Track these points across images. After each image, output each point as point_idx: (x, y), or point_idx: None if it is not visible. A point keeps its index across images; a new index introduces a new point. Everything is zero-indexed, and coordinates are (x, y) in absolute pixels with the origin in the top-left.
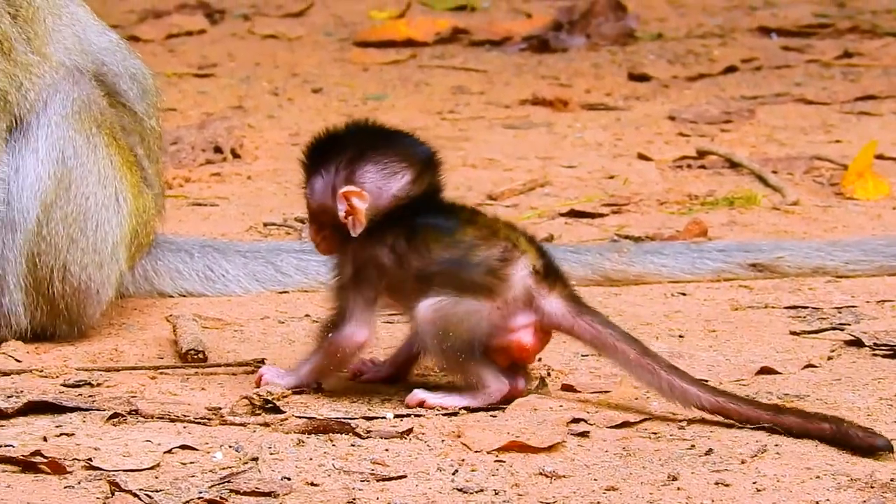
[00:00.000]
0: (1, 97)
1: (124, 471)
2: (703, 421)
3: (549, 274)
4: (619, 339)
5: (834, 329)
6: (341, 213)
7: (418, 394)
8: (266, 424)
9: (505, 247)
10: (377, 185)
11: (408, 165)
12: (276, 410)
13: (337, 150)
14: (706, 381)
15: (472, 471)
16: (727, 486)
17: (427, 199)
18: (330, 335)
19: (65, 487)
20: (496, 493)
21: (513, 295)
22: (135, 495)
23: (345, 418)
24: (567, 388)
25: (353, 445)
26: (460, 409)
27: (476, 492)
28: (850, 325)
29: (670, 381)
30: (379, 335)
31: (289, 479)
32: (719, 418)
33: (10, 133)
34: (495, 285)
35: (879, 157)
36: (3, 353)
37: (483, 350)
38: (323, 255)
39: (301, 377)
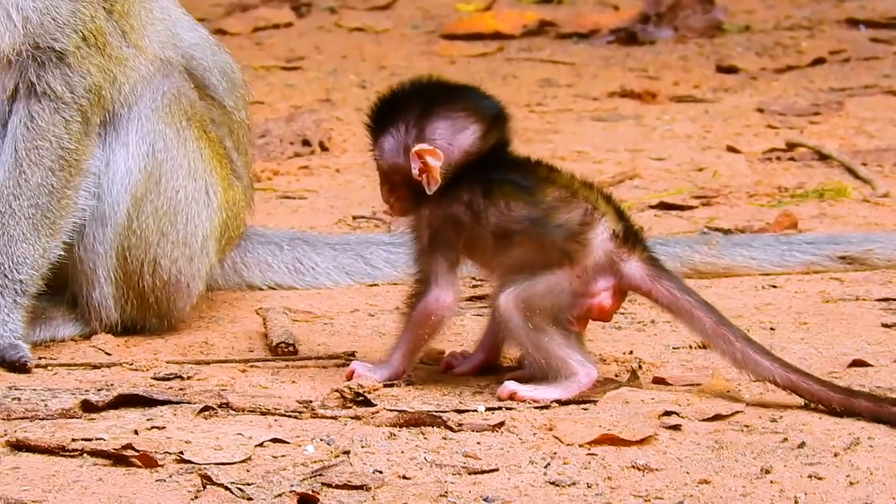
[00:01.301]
0: (95, 93)
1: (216, 464)
2: (795, 413)
3: (629, 237)
4: (696, 307)
5: None
6: (415, 172)
7: (509, 386)
8: (357, 417)
9: (585, 209)
10: (448, 142)
11: (477, 119)
12: (368, 403)
13: (404, 109)
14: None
15: (565, 464)
16: (820, 479)
17: (499, 153)
18: (416, 307)
19: (156, 481)
20: (588, 487)
21: (593, 260)
22: (226, 489)
23: (436, 411)
24: (658, 380)
25: (444, 438)
26: (552, 401)
27: (568, 485)
28: None
29: (744, 352)
30: (470, 328)
31: (381, 472)
32: (791, 395)
33: (103, 127)
34: (576, 251)
35: None
36: (94, 347)
37: (567, 321)
38: (397, 216)
39: (394, 365)
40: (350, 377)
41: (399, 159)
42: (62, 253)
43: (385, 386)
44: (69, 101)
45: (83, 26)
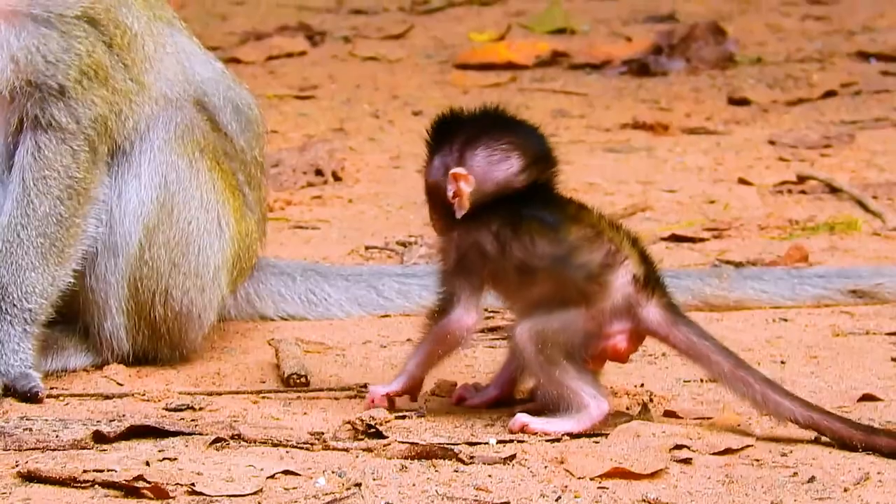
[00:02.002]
0: (101, 123)
1: (227, 496)
2: (805, 447)
3: (649, 282)
4: (714, 351)
5: None
6: (449, 193)
7: (521, 418)
8: (369, 450)
9: (608, 250)
10: (484, 170)
11: (519, 155)
12: (379, 435)
13: (455, 131)
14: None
15: (576, 497)
16: None
17: (535, 190)
18: (437, 322)
19: None
20: None
21: (611, 303)
22: None
23: (448, 444)
24: (669, 414)
25: (456, 471)
26: (563, 434)
27: None
28: None
29: (764, 394)
30: (482, 360)
31: None
32: (812, 433)
33: (113, 157)
34: (594, 291)
35: None
36: (106, 377)
37: (580, 358)
38: (438, 234)
39: (409, 371)
40: (370, 404)
41: (440, 179)
42: (72, 281)
43: (397, 418)
44: (75, 132)
45: (79, 61)
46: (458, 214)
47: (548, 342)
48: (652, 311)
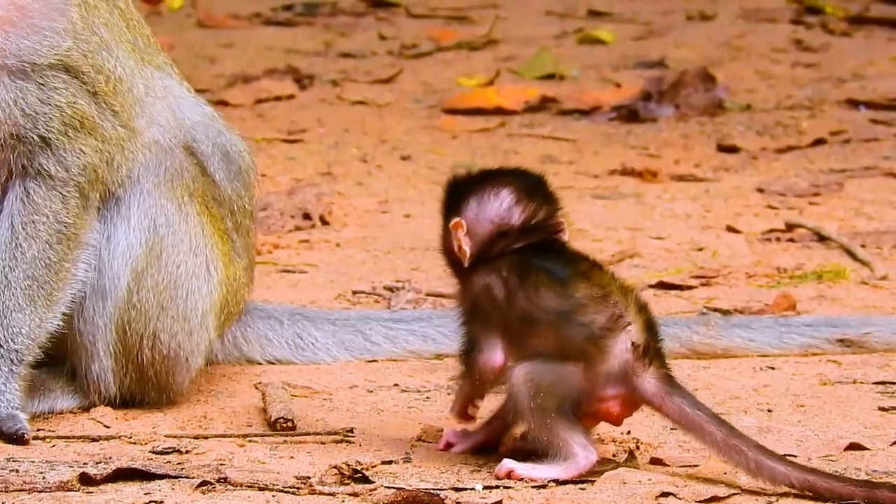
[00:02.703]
0: (91, 170)
1: None
2: (791, 498)
3: (648, 352)
4: (707, 421)
5: None
6: (455, 247)
7: (507, 464)
8: (355, 494)
9: (612, 314)
10: (475, 213)
11: (505, 192)
12: (366, 480)
13: (456, 191)
14: (794, 456)
15: None
16: None
17: (540, 233)
18: (469, 365)
19: None
20: None
21: (608, 367)
22: None
23: (434, 489)
24: (656, 461)
25: None
26: (549, 481)
27: None
28: None
29: (758, 461)
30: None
31: None
32: (809, 496)
33: (103, 202)
34: (593, 354)
35: None
36: (93, 419)
37: (572, 413)
38: (458, 301)
39: (457, 405)
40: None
41: (448, 240)
42: (61, 324)
43: (383, 463)
44: (65, 179)
45: (60, 113)
46: (466, 263)
47: (542, 391)
48: (647, 382)
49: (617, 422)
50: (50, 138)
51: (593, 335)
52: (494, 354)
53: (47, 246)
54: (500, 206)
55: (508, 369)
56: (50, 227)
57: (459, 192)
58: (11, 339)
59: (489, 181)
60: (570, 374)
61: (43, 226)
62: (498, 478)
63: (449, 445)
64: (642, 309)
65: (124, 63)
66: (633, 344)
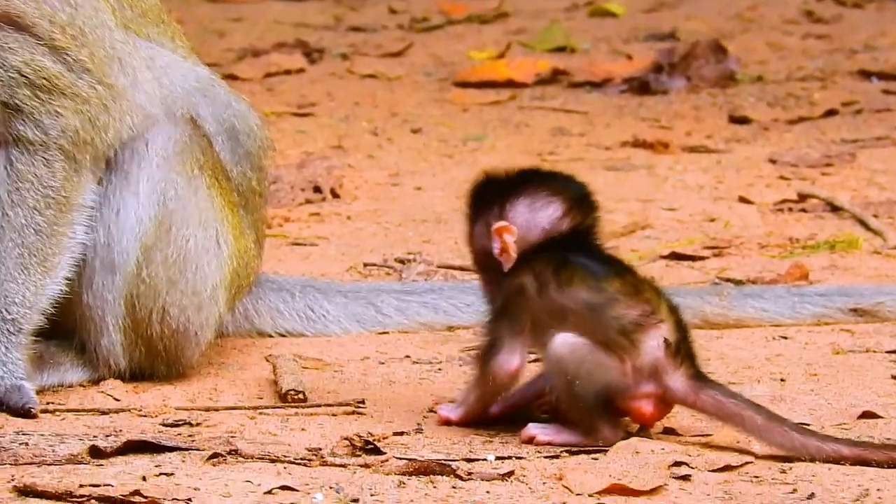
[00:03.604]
0: (72, 132)
1: None
2: (805, 464)
3: (680, 351)
4: (744, 408)
5: None
6: (496, 251)
7: (531, 429)
8: (367, 466)
9: (644, 310)
10: (527, 219)
11: (558, 200)
12: (377, 451)
13: (492, 192)
14: (808, 425)
15: None
16: None
17: (581, 238)
18: (483, 365)
19: None
20: None
21: (640, 363)
22: None
23: (446, 460)
24: (669, 430)
25: (454, 487)
26: (569, 445)
27: None
28: None
29: (803, 441)
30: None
31: None
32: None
33: (108, 172)
34: (625, 347)
35: None
36: (102, 392)
37: (606, 406)
38: (492, 301)
39: (469, 406)
40: (440, 420)
41: (485, 241)
42: (64, 290)
43: (394, 434)
44: (46, 143)
45: (20, 74)
46: (506, 268)
47: (579, 375)
48: (678, 381)
49: (648, 422)
50: (19, 103)
51: (625, 329)
52: (513, 358)
53: (35, 212)
54: (552, 214)
55: (548, 335)
56: (36, 192)
57: (503, 195)
58: (6, 310)
59: (537, 186)
60: (609, 364)
61: (28, 192)
62: (522, 442)
63: (447, 422)
64: (673, 310)
65: (89, 14)
66: (665, 341)
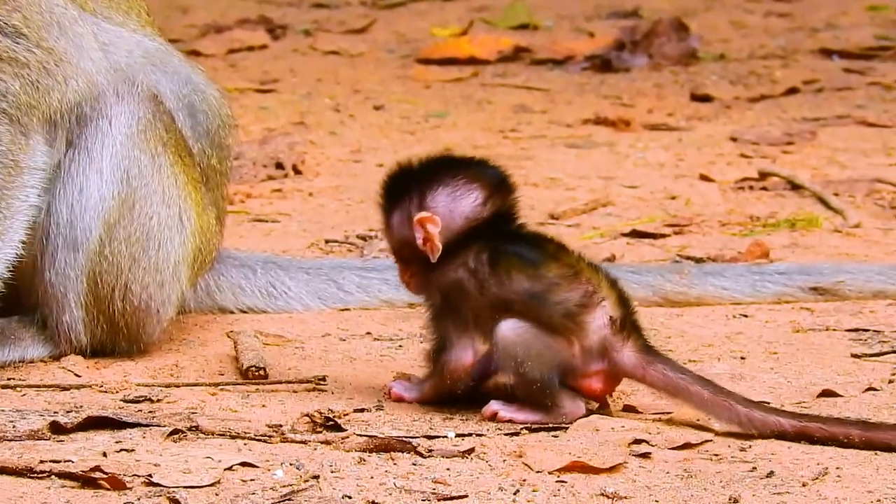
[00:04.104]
0: (13, 95)
1: (184, 487)
2: (764, 443)
3: (625, 326)
4: (692, 382)
5: (895, 352)
6: (419, 241)
7: (493, 405)
8: (327, 442)
9: (586, 290)
10: (448, 208)
11: (478, 186)
12: (338, 428)
13: (409, 182)
14: (768, 403)
15: (534, 491)
16: None
17: (506, 223)
18: (438, 362)
19: (124, 503)
20: None
21: (588, 343)
22: None
23: (406, 437)
24: (629, 409)
25: (414, 464)
26: (532, 423)
27: None
28: None
29: (748, 414)
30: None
31: (350, 497)
32: (804, 442)
33: (70, 149)
34: (571, 330)
35: None
36: (63, 368)
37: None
38: (415, 294)
39: (424, 393)
40: (389, 394)
41: (406, 232)
42: (21, 254)
43: (355, 411)
44: None
45: None
46: (434, 258)
47: (528, 359)
48: (627, 355)
49: (599, 398)
50: None
51: (570, 312)
52: (466, 353)
53: None
54: (474, 201)
55: (493, 323)
56: None
57: (422, 185)
58: None
59: (458, 174)
60: (555, 347)
61: None
62: (483, 418)
63: (400, 399)
64: (613, 284)
65: None
66: (610, 318)
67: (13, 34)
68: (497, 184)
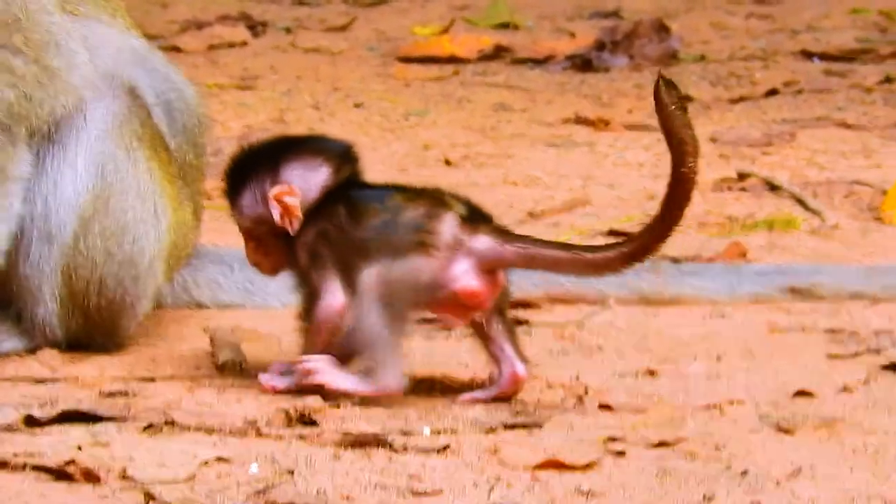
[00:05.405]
0: (6, 105)
1: (159, 481)
2: (740, 441)
3: (474, 217)
4: (546, 247)
5: (871, 353)
6: (276, 217)
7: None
8: (302, 437)
9: (430, 203)
10: (303, 178)
11: (326, 158)
12: (313, 423)
13: (257, 163)
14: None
15: (508, 487)
16: None
17: (356, 181)
18: (310, 315)
19: (99, 497)
20: None
21: (444, 244)
22: None
23: (381, 433)
24: (604, 406)
25: (389, 460)
26: (352, 392)
27: None
28: (887, 349)
29: (593, 258)
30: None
31: (324, 492)
32: None
33: (46, 145)
34: (426, 239)
35: None
36: (39, 362)
37: (430, 304)
38: (268, 274)
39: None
40: (266, 388)
41: (261, 210)
42: (1, 262)
43: (331, 406)
44: None
45: None
46: (293, 230)
47: (392, 291)
48: (481, 241)
49: (482, 302)
50: None
51: (420, 224)
52: (335, 297)
53: None
54: (325, 172)
55: (357, 277)
56: None
57: (272, 162)
58: None
59: (306, 149)
60: (417, 264)
61: None
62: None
63: (274, 389)
64: (458, 197)
65: (25, 3)
66: (459, 217)
67: (14, 50)
68: (344, 154)
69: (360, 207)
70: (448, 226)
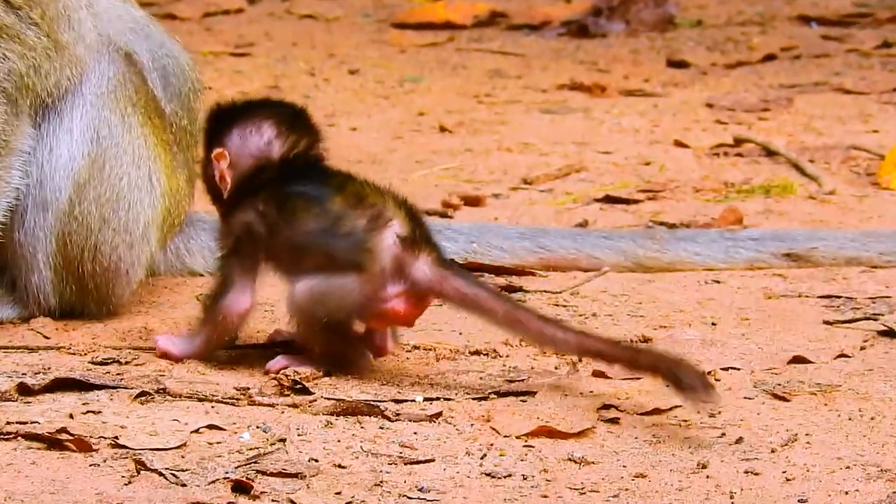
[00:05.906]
0: (17, 76)
1: (150, 449)
2: (734, 409)
3: (416, 240)
4: (487, 299)
5: (867, 319)
6: (216, 177)
7: (280, 360)
8: (294, 405)
9: (372, 213)
10: (238, 145)
11: (268, 125)
12: (305, 391)
13: (215, 122)
14: (736, 369)
15: (501, 455)
16: (756, 474)
17: (298, 162)
18: (214, 304)
19: (90, 465)
20: (524, 479)
21: (381, 266)
22: (160, 474)
23: (374, 401)
24: (598, 374)
25: (381, 428)
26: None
27: (504, 477)
28: (883, 315)
29: (541, 330)
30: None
31: (316, 460)
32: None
33: (43, 112)
34: (363, 257)
35: None
36: (32, 330)
37: (354, 320)
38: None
39: (195, 348)
40: (159, 352)
41: (210, 170)
42: None
43: (324, 374)
44: None
45: None
46: (225, 194)
47: (321, 308)
48: (421, 269)
49: (408, 321)
50: None
51: (359, 240)
52: (244, 298)
53: None
54: (260, 140)
55: (290, 281)
56: None
57: (222, 123)
58: None
59: (251, 113)
60: (349, 284)
61: None
62: (269, 372)
63: (165, 354)
64: (401, 203)
65: None
66: (398, 237)
67: (28, 22)
68: (290, 122)
69: (296, 205)
70: (388, 245)
